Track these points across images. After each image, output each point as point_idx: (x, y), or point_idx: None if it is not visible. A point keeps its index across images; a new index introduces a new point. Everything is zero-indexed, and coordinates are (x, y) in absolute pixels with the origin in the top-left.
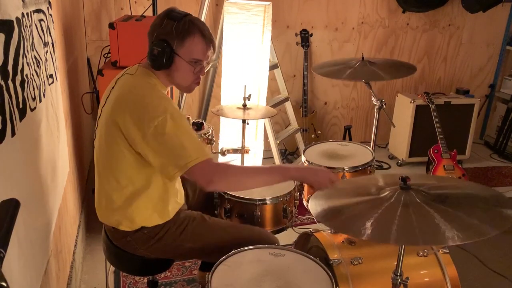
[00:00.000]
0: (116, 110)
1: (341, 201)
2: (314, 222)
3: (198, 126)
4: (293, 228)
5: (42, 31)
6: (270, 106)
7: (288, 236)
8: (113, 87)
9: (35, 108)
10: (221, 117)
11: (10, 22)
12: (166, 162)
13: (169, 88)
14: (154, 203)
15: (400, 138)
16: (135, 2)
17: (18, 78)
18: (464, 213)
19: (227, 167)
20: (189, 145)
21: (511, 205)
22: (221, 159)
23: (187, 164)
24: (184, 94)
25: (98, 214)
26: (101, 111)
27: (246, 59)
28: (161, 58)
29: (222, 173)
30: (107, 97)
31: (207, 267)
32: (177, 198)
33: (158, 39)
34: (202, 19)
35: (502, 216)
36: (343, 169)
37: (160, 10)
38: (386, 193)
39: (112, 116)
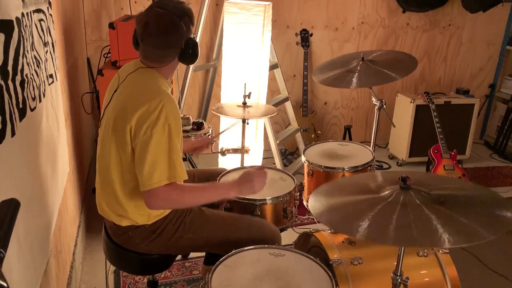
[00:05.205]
0: (124, 110)
1: (341, 198)
2: (314, 222)
3: (198, 126)
4: (293, 228)
5: (42, 31)
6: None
7: (288, 236)
8: (115, 90)
9: (35, 108)
10: (221, 117)
11: (10, 22)
12: (136, 171)
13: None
14: None
15: (400, 138)
16: (135, 2)
17: (18, 78)
18: (462, 216)
19: (170, 198)
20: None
21: (510, 208)
22: (221, 159)
23: (149, 186)
24: (184, 94)
25: (99, 210)
26: (104, 111)
27: (246, 59)
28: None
29: (166, 202)
30: (111, 97)
31: (212, 260)
32: None
33: (189, 38)
34: (202, 19)
35: (499, 220)
36: (343, 169)
37: None
38: (386, 192)
39: (121, 115)
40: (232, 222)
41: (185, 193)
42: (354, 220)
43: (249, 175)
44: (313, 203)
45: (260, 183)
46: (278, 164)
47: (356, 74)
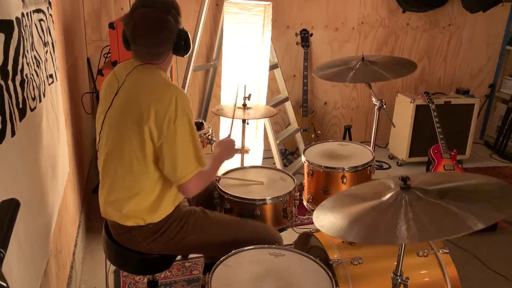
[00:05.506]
0: (137, 111)
1: (345, 211)
2: None
3: (198, 126)
4: (293, 228)
5: (42, 31)
6: (270, 106)
7: (288, 236)
8: (116, 93)
9: (35, 108)
10: (221, 117)
11: (10, 22)
12: (167, 167)
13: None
14: (159, 199)
15: (400, 138)
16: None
17: (18, 78)
18: (471, 203)
19: (201, 181)
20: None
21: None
22: None
23: (186, 177)
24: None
25: (102, 213)
26: (106, 115)
27: (246, 59)
28: (188, 44)
29: (200, 186)
30: (112, 100)
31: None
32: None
33: (179, 30)
34: (202, 19)
35: (506, 199)
36: (343, 169)
37: None
38: (388, 196)
39: (134, 117)
40: (236, 225)
41: (209, 174)
42: (383, 229)
43: (222, 143)
44: (321, 222)
45: (232, 148)
46: (278, 164)
47: (354, 71)
